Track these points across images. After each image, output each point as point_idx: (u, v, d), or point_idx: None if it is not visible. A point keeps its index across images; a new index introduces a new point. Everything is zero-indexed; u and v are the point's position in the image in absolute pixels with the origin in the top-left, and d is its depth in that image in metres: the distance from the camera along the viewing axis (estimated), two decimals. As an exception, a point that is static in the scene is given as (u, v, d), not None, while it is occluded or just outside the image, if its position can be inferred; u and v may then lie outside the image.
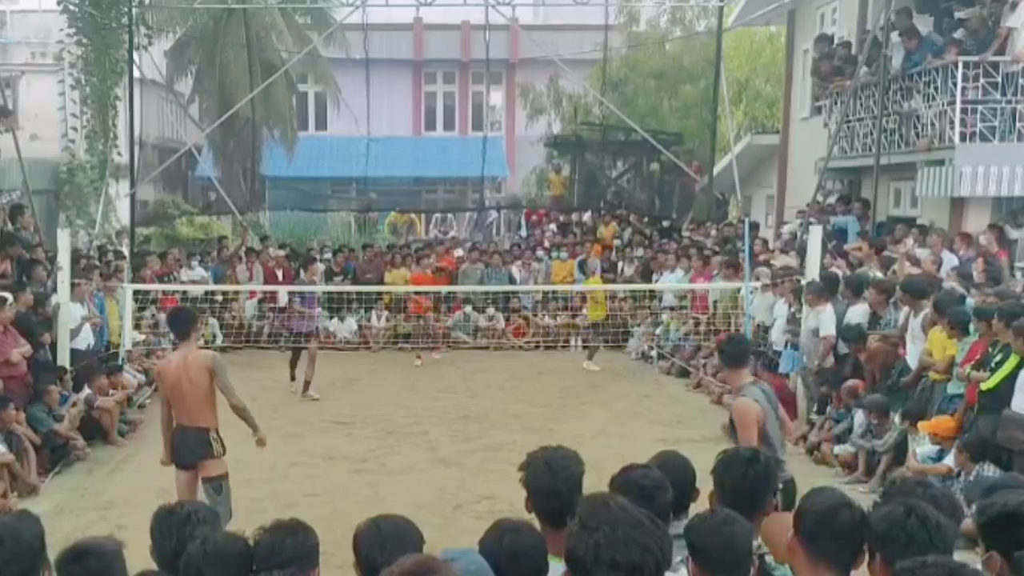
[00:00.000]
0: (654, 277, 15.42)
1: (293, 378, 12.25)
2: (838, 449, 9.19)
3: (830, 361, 9.95)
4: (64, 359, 10.38)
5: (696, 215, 18.98)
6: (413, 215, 24.46)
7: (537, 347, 15.60)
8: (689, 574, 2.78)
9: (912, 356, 8.97)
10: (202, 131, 22.37)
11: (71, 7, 17.35)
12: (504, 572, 2.86)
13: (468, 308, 16.07)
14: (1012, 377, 7.31)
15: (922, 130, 12.56)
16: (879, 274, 10.90)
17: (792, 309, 11.23)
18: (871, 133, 13.49)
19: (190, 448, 6.16)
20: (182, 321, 6.39)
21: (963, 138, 11.69)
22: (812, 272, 10.91)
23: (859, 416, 9.02)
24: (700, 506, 3.28)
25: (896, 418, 8.53)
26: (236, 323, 15.09)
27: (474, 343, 15.77)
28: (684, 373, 13.53)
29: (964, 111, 11.70)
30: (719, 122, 19.24)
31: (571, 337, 15.73)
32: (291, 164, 25.22)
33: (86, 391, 9.89)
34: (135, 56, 17.29)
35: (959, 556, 2.67)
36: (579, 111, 23.49)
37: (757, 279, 12.55)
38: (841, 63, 14.86)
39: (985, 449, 7.28)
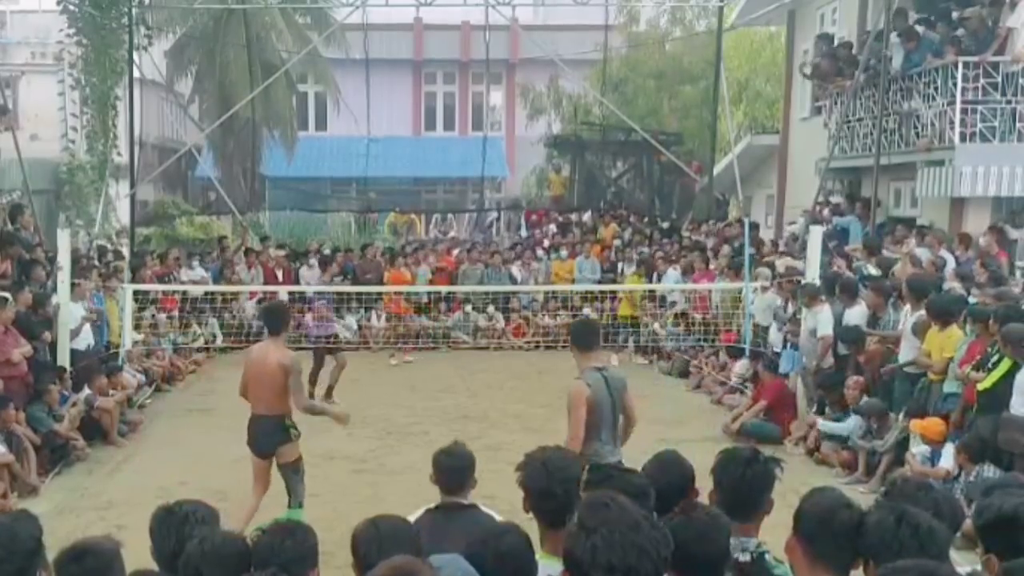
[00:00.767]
0: (654, 276, 15.43)
1: (312, 395, 11.31)
2: (826, 447, 9.22)
3: (829, 361, 9.94)
4: (64, 359, 10.38)
5: (696, 215, 18.97)
6: (413, 215, 24.46)
7: (537, 347, 15.60)
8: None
9: (902, 354, 8.99)
10: (202, 131, 22.37)
11: (71, 7, 17.34)
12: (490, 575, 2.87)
13: (468, 308, 16.07)
14: (1010, 377, 7.31)
15: (922, 130, 12.56)
16: (874, 271, 10.91)
17: (791, 309, 11.24)
18: (871, 133, 13.49)
19: (268, 437, 6.51)
20: (277, 317, 6.68)
21: (963, 138, 11.69)
22: (812, 272, 10.91)
23: (854, 419, 9.02)
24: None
25: (901, 417, 8.50)
26: (236, 323, 15.09)
27: (474, 343, 15.77)
28: (684, 373, 13.53)
29: (964, 111, 11.70)
30: (719, 122, 19.24)
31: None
32: (291, 164, 25.21)
33: (86, 391, 9.89)
34: (135, 56, 17.28)
35: (960, 556, 2.67)
36: (579, 111, 23.49)
37: (757, 279, 12.56)
38: (842, 63, 14.86)
39: (985, 450, 7.28)
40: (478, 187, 24.67)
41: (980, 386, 7.55)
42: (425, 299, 15.82)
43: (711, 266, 14.44)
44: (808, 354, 10.26)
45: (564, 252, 17.16)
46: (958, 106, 11.68)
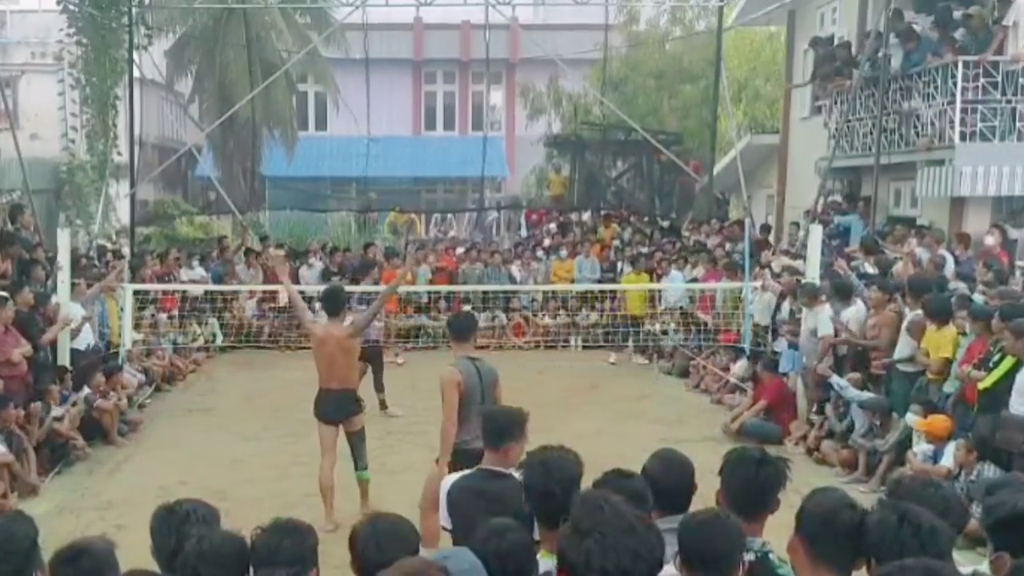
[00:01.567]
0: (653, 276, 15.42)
1: (385, 405, 11.30)
2: (826, 446, 9.22)
3: (829, 361, 9.94)
4: (64, 359, 10.38)
5: (696, 215, 18.96)
6: (413, 215, 24.41)
7: (537, 347, 15.59)
8: (677, 571, 2.77)
9: (898, 351, 9.01)
10: (202, 131, 22.35)
11: (71, 7, 17.32)
12: (492, 573, 2.87)
13: (467, 308, 16.04)
14: (1009, 377, 7.31)
15: (922, 130, 12.55)
16: (872, 271, 10.91)
17: (787, 308, 11.25)
18: (871, 133, 13.48)
19: (341, 407, 7.20)
20: (335, 300, 7.36)
21: (963, 138, 11.68)
22: (812, 272, 10.91)
23: (859, 417, 9.02)
24: (699, 504, 3.27)
25: (906, 417, 8.49)
26: (236, 323, 15.08)
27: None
28: (684, 373, 13.53)
29: (964, 111, 11.69)
30: (719, 122, 19.22)
31: (571, 337, 15.74)
32: (291, 164, 25.19)
33: (86, 391, 9.88)
34: (135, 56, 17.26)
35: (961, 556, 2.66)
36: (579, 111, 23.46)
37: (757, 279, 12.56)
38: (841, 63, 14.85)
39: (985, 449, 7.28)
40: (478, 187, 24.64)
41: (981, 385, 7.54)
42: (425, 299, 15.81)
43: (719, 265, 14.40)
44: (808, 354, 10.26)
45: (564, 252, 17.16)
46: (958, 106, 11.67)
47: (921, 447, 7.99)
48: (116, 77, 17.55)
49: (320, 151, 26.99)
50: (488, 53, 20.70)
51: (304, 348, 11.99)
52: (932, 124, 12.27)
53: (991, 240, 10.82)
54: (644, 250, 16.61)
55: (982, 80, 11.65)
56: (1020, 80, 11.61)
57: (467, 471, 4.19)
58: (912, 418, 8.21)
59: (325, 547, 3.24)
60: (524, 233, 21.02)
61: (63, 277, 10.57)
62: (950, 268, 10.48)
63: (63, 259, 10.67)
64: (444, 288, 15.71)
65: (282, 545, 3.02)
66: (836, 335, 9.85)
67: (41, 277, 11.06)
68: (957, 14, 12.34)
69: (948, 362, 8.26)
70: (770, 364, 10.88)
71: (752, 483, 3.11)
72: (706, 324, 13.72)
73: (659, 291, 14.77)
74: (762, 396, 10.43)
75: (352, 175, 24.44)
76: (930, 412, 8.11)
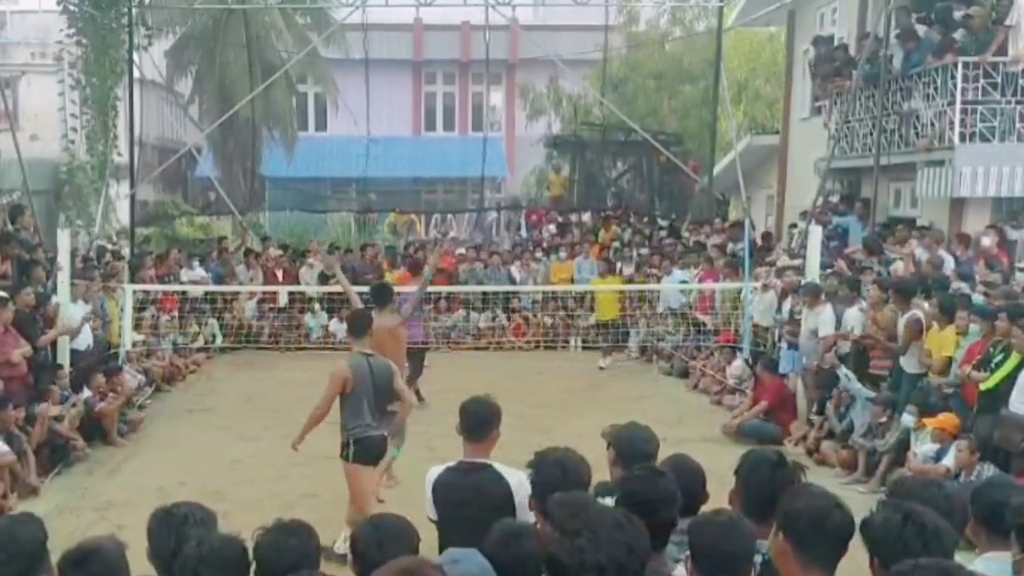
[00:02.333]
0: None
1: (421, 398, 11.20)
2: (826, 447, 9.22)
3: (830, 361, 9.94)
4: (64, 359, 10.38)
5: (695, 215, 18.96)
6: (413, 215, 24.40)
7: (537, 347, 15.59)
8: (687, 574, 2.76)
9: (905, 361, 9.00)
10: (202, 131, 22.34)
11: (71, 7, 17.32)
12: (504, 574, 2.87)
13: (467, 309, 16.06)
14: (1012, 377, 7.31)
15: (922, 130, 12.55)
16: (879, 269, 10.94)
17: (787, 307, 11.24)
18: (871, 133, 13.48)
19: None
20: (384, 293, 8.39)
21: (963, 138, 11.68)
22: (812, 272, 10.91)
23: (859, 417, 9.02)
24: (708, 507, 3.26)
25: (907, 415, 8.49)
26: (236, 324, 15.08)
27: (474, 343, 15.75)
28: (684, 373, 13.53)
29: (964, 111, 11.69)
30: (719, 122, 19.22)
31: (571, 337, 15.74)
32: (291, 164, 25.18)
33: (86, 392, 9.88)
34: (135, 56, 17.26)
35: (961, 557, 2.66)
36: (579, 111, 23.46)
37: (757, 279, 12.56)
38: (840, 64, 14.85)
39: (985, 449, 7.28)
40: (478, 187, 24.61)
41: (983, 386, 7.54)
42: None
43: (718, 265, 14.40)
44: (808, 354, 10.26)
45: (563, 253, 17.15)
46: (958, 106, 11.67)
47: (922, 448, 7.97)
48: (116, 78, 17.56)
49: (320, 152, 26.97)
50: (488, 54, 20.69)
51: (304, 348, 12.01)
52: (932, 125, 12.27)
53: (987, 241, 10.82)
54: (644, 251, 16.62)
55: (982, 81, 11.65)
56: (1020, 81, 11.61)
57: (449, 463, 4.21)
58: (909, 419, 8.22)
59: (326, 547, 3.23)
60: (524, 234, 21.01)
61: (63, 277, 10.57)
62: (949, 268, 10.49)
63: (63, 260, 10.67)
64: (444, 288, 15.70)
65: (288, 544, 3.01)
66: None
67: (41, 278, 11.05)
68: (957, 14, 12.34)
69: (950, 361, 8.27)
70: (770, 365, 10.88)
71: (768, 485, 3.08)
72: (704, 324, 13.73)
73: (655, 292, 14.76)
74: (762, 397, 10.43)
75: (352, 176, 24.40)
76: (926, 413, 8.12)
